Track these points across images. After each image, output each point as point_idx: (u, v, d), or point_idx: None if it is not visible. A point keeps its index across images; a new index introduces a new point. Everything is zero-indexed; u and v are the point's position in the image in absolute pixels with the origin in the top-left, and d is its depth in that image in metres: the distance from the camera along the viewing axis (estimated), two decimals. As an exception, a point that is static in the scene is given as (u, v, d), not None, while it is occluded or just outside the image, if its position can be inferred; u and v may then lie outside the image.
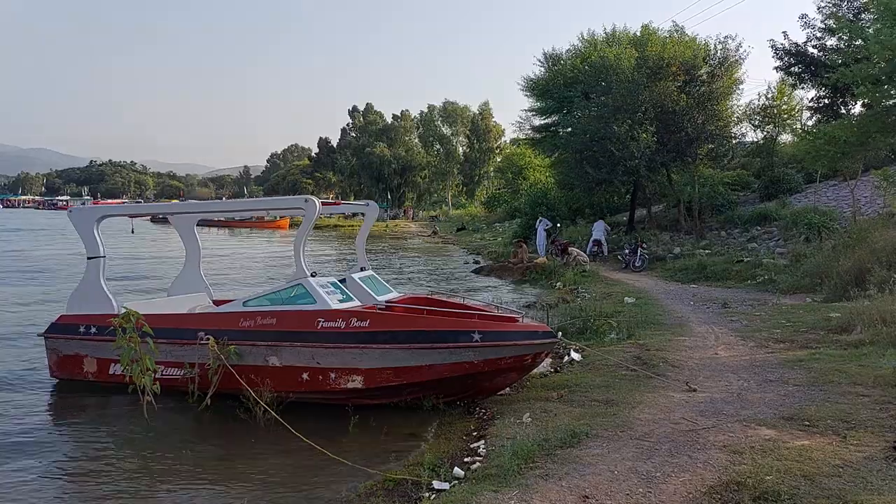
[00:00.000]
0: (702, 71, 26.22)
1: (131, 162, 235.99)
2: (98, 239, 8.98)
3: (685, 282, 18.71)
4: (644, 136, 24.08)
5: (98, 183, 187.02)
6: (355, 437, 7.24)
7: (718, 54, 26.39)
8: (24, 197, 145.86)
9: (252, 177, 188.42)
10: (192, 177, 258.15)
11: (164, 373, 8.34)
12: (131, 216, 9.77)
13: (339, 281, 8.97)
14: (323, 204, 8.50)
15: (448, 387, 7.84)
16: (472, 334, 7.51)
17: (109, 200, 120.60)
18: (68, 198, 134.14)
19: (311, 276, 8.27)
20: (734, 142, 27.92)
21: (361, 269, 9.91)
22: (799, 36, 23.05)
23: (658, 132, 24.74)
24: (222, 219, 70.37)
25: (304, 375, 7.91)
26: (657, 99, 24.80)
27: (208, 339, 7.97)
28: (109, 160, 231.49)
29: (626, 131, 24.33)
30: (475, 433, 6.99)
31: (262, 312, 8.14)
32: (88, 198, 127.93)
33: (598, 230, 26.15)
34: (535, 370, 8.53)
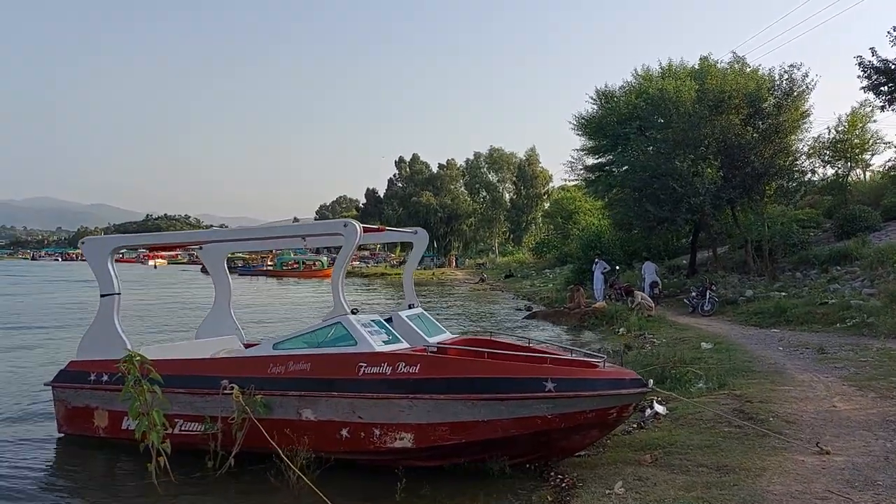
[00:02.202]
0: (767, 103, 24.77)
1: (185, 216, 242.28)
2: (112, 273, 7.93)
3: (763, 326, 16.99)
4: (709, 171, 22.60)
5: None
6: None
7: (784, 85, 24.92)
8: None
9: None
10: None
11: (182, 428, 7.16)
12: (148, 247, 8.74)
13: (385, 320, 7.72)
14: (365, 230, 7.32)
15: (515, 447, 6.46)
16: (544, 382, 6.15)
17: (162, 253, 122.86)
18: (124, 251, 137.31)
19: (352, 313, 7.05)
20: (805, 177, 26.19)
21: (409, 307, 8.65)
22: (889, 52, 21.37)
23: (723, 167, 23.25)
24: (270, 268, 70.82)
25: (344, 432, 6.62)
26: (720, 133, 23.44)
27: (232, 388, 6.79)
28: (164, 214, 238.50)
29: (689, 167, 22.89)
30: (554, 507, 5.57)
31: (295, 356, 6.92)
32: (143, 250, 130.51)
33: (651, 271, 24.57)
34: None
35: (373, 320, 7.37)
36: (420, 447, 6.42)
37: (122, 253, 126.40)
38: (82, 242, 8.19)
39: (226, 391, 6.79)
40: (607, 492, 5.51)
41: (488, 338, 8.46)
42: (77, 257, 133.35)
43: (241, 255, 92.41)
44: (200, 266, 68.09)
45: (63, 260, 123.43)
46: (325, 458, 6.53)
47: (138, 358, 6.08)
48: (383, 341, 7.01)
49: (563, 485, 6.09)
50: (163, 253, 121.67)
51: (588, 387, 6.19)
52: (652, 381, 6.46)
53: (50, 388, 8.07)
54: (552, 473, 6.48)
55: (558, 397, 6.11)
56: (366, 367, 6.58)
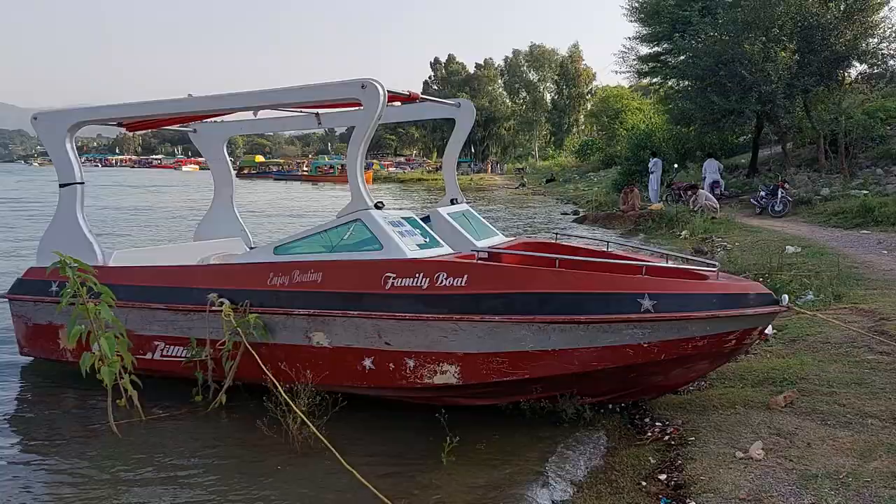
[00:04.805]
0: (852, -25, 21.70)
1: (222, 122, 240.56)
2: (73, 157, 6.24)
3: (847, 227, 15.04)
4: (783, 54, 19.99)
5: (191, 142, 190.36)
6: (452, 469, 4.32)
7: (873, -49, 21.70)
8: (121, 157, 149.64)
9: (337, 134, 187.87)
10: (279, 135, 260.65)
11: (163, 353, 5.66)
12: (112, 121, 7.02)
13: (421, 219, 5.99)
14: (390, 97, 5.43)
15: (597, 383, 4.82)
16: (638, 299, 4.43)
17: (200, 159, 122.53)
18: (162, 157, 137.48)
19: (376, 207, 5.33)
20: (889, 62, 23.27)
21: (452, 202, 6.88)
22: None
23: (798, 51, 20.60)
24: (306, 173, 69.82)
25: (367, 362, 5.03)
26: (796, 11, 20.66)
27: (221, 303, 5.22)
28: (202, 120, 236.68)
29: (760, 51, 20.30)
30: (661, 474, 3.93)
31: (302, 264, 5.26)
32: (181, 156, 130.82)
33: (713, 169, 22.45)
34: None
35: (404, 218, 5.60)
36: (468, 383, 4.80)
37: (160, 159, 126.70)
38: (34, 118, 6.42)
39: (214, 308, 5.23)
40: (738, 455, 3.85)
41: (553, 241, 6.68)
42: (116, 163, 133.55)
43: (276, 160, 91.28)
44: (236, 171, 67.42)
45: (103, 165, 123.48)
46: (335, 398, 4.92)
47: (75, 263, 4.51)
48: (418, 245, 5.28)
49: (668, 438, 4.44)
50: (197, 159, 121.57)
51: (699, 305, 4.45)
52: (787, 296, 4.69)
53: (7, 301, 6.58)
54: (647, 420, 4.85)
55: (658, 319, 4.39)
56: (395, 278, 4.90)
